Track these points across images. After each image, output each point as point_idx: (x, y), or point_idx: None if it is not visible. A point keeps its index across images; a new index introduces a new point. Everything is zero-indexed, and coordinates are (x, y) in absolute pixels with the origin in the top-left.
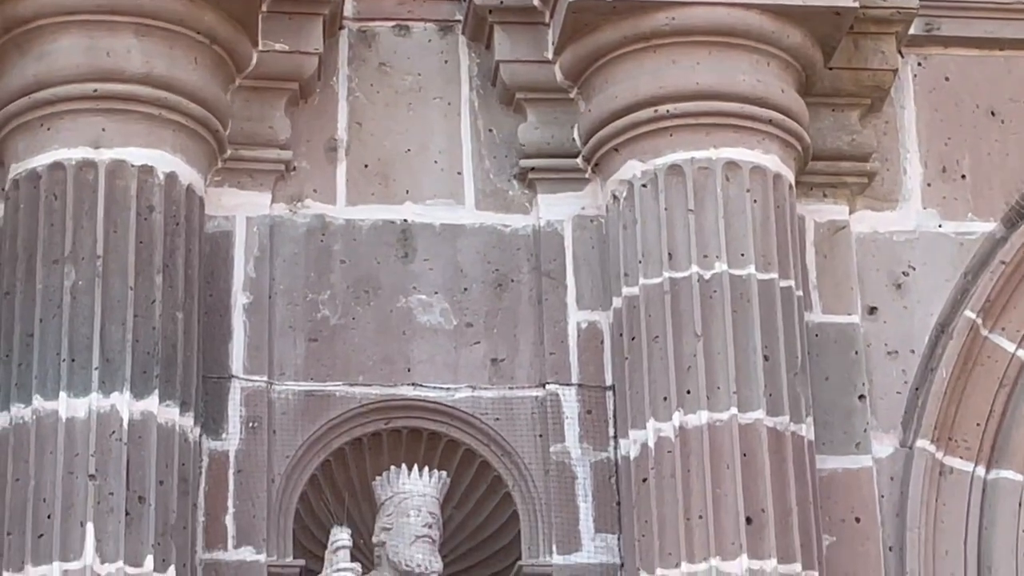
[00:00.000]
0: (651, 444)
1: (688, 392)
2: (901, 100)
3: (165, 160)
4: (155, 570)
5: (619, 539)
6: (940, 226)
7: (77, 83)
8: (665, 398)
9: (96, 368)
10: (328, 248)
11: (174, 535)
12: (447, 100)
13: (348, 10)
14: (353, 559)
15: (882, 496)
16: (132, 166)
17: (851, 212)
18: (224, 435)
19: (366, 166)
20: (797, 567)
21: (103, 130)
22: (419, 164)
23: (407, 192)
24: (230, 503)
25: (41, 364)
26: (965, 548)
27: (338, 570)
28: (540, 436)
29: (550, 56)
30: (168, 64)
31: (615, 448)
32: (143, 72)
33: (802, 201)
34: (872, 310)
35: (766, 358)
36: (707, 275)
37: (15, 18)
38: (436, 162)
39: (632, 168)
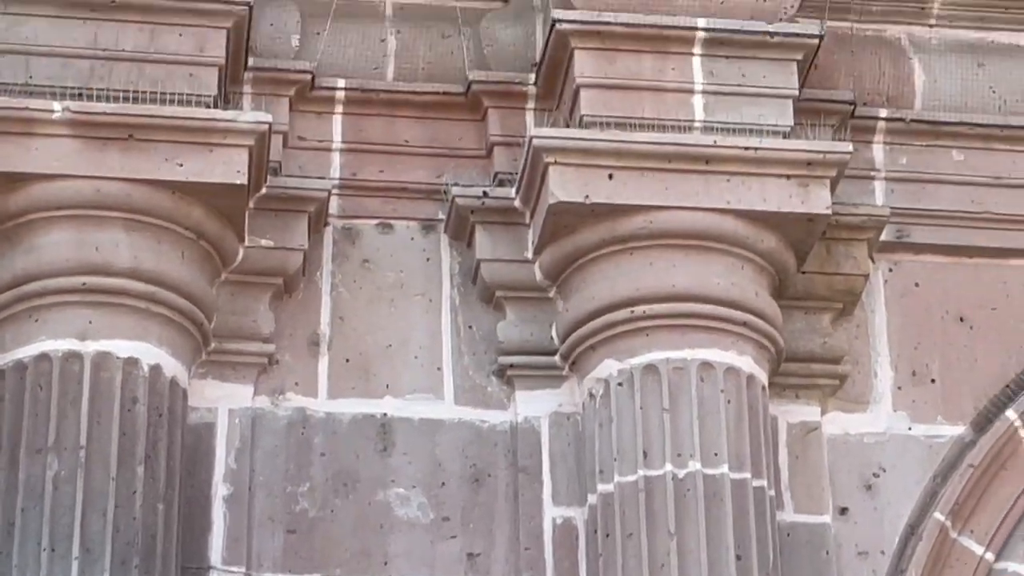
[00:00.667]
0: None
1: None
2: (872, 304)
3: (150, 353)
4: None
5: None
6: (910, 429)
7: (66, 276)
8: None
9: (76, 558)
10: (308, 441)
11: None
12: (428, 297)
13: (333, 207)
14: None
15: None
16: (117, 358)
17: (823, 413)
18: None
19: (348, 360)
20: None
21: (90, 322)
22: (400, 359)
23: (387, 387)
24: None
25: (21, 554)
26: None
27: None
28: None
29: (530, 256)
30: (156, 259)
31: None
32: (131, 267)
33: (775, 401)
34: (843, 511)
35: (739, 557)
36: (681, 474)
37: (5, 212)
38: (416, 357)
39: (608, 367)
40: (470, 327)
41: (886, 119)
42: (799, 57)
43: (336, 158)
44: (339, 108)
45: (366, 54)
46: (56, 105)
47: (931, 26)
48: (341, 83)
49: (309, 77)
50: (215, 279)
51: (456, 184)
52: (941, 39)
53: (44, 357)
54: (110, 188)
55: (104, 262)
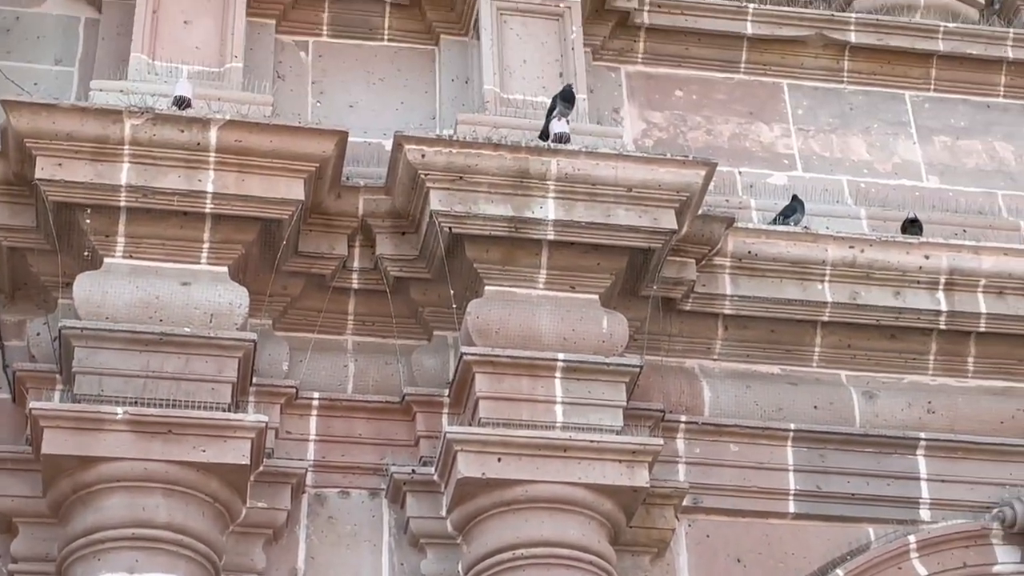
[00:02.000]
0: None
1: None
2: (677, 549)
3: None
4: None
5: None
6: None
7: (120, 528)
8: None
9: None
10: None
11: None
12: (373, 542)
13: (309, 480)
14: None
15: None
16: None
17: None
18: None
19: None
20: None
21: (136, 560)
22: None
23: None
24: None
25: None
26: None
27: None
28: None
29: (444, 514)
30: (184, 516)
31: None
32: (167, 522)
33: None
34: None
35: None
36: None
37: (82, 483)
38: None
39: None
40: (402, 564)
41: (685, 422)
42: (627, 379)
43: (311, 446)
44: (314, 412)
45: (334, 375)
46: (119, 410)
47: (714, 360)
48: (316, 395)
49: (294, 390)
50: (225, 530)
51: (394, 464)
52: (722, 369)
53: None
54: (154, 467)
55: (148, 518)
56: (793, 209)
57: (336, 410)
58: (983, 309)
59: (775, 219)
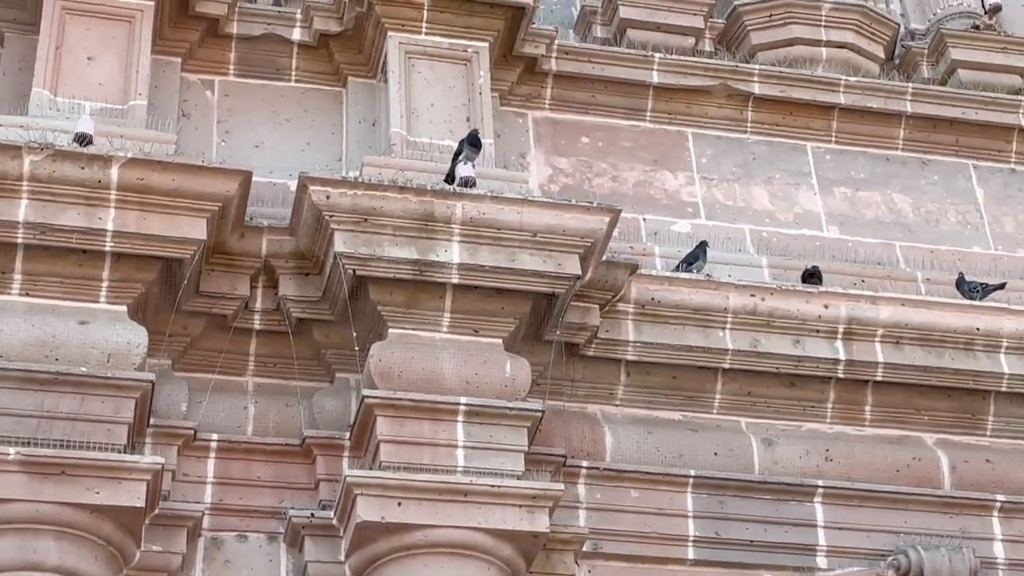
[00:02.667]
0: None
1: None
2: None
3: None
4: None
5: None
6: None
7: (9, 571)
8: None
9: None
10: None
11: None
12: None
13: (205, 523)
14: None
15: None
16: None
17: None
18: None
19: None
20: None
21: None
22: None
23: None
24: None
25: None
26: None
27: None
28: None
29: (343, 559)
30: (76, 559)
31: None
32: (57, 564)
33: None
34: None
35: None
36: None
37: None
38: None
39: None
40: None
41: (586, 467)
42: (529, 424)
43: (209, 489)
44: (212, 454)
45: (233, 416)
46: (11, 450)
47: (616, 405)
48: (215, 436)
49: (192, 432)
50: (119, 574)
51: (292, 508)
52: (623, 414)
53: None
54: (46, 509)
55: (38, 561)
56: (695, 256)
57: (235, 452)
58: (880, 358)
59: (678, 266)
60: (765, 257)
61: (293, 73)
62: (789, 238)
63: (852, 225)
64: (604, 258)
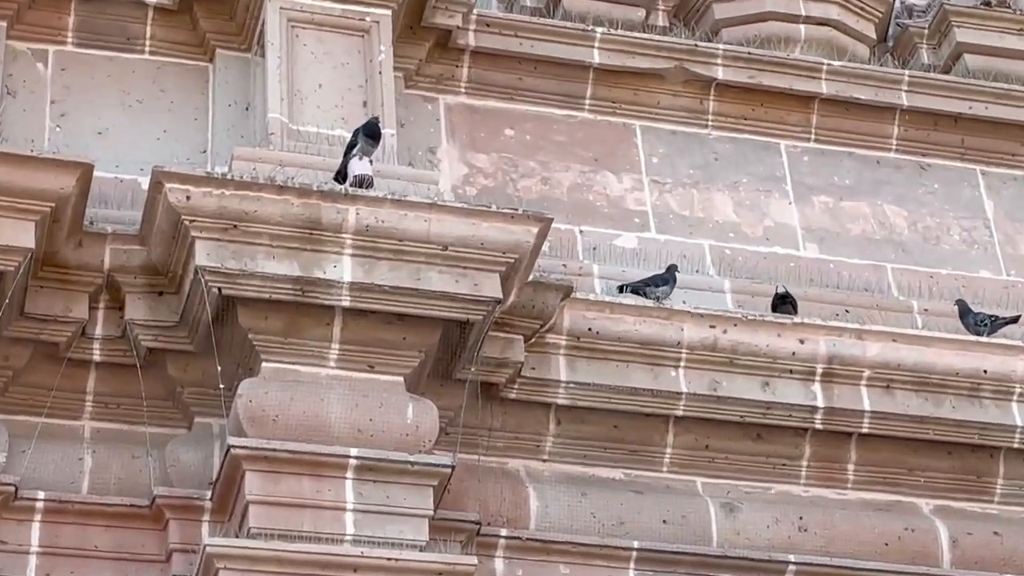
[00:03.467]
0: None
1: None
2: None
3: None
4: None
5: None
6: None
7: None
8: None
9: None
10: None
11: None
12: None
13: None
14: None
15: None
16: None
17: None
18: None
19: None
20: None
21: None
22: None
23: None
24: None
25: None
26: None
27: None
28: None
29: None
30: None
31: None
32: None
33: None
34: None
35: None
36: None
37: None
38: None
39: None
40: None
41: (506, 537)
42: (435, 483)
43: (33, 560)
44: (38, 517)
45: (65, 470)
46: None
47: (544, 461)
48: (41, 495)
49: (13, 489)
50: None
51: None
52: (552, 472)
53: None
54: None
55: None
56: (663, 280)
57: (67, 515)
58: (867, 406)
59: (634, 289)
60: (728, 280)
61: (147, 43)
62: (757, 257)
63: (834, 242)
64: (531, 278)
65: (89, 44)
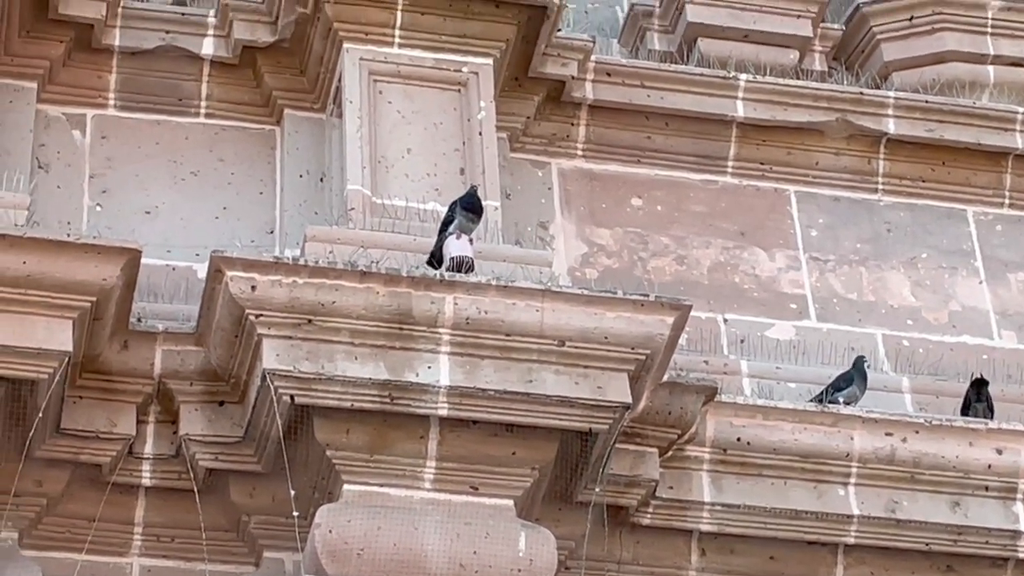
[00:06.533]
0: None
1: None
2: None
3: None
4: None
5: None
6: None
7: None
8: None
9: None
10: None
11: None
12: None
13: None
14: None
15: None
16: None
17: None
18: None
19: None
20: None
21: None
22: None
23: None
24: None
25: None
26: None
27: None
28: None
29: None
30: None
31: None
32: None
33: None
34: None
35: None
36: None
37: None
38: None
39: None
40: None
41: None
42: None
43: None
44: None
45: None
46: None
47: None
48: None
49: None
50: None
51: None
52: None
53: None
54: None
55: None
56: (847, 380)
57: None
58: None
59: (823, 394)
60: (906, 377)
61: (203, 104)
62: (942, 348)
63: None
64: (666, 378)
65: (134, 107)
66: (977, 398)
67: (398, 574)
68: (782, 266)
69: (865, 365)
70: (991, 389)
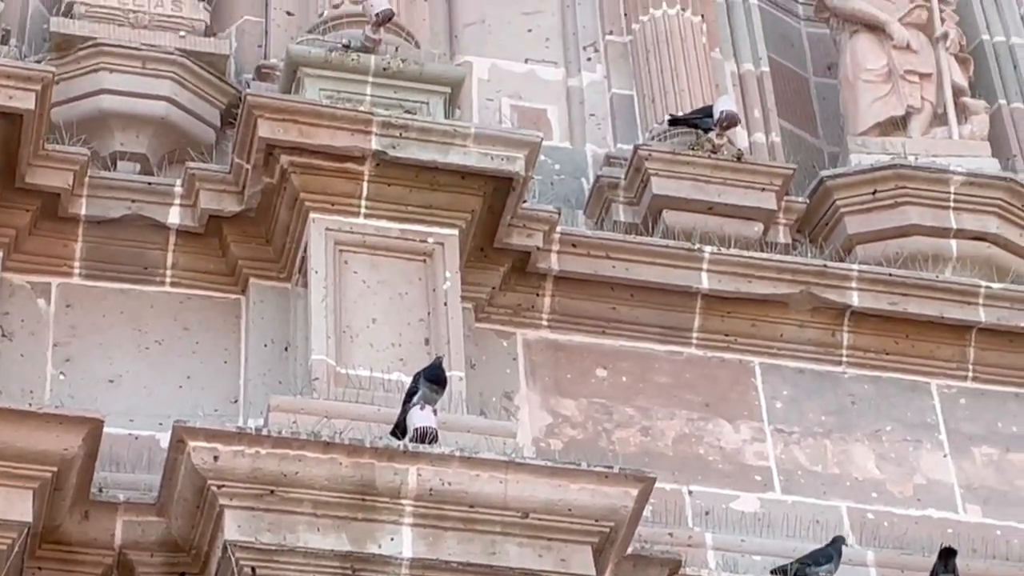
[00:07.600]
0: None
1: None
2: None
3: None
4: None
5: None
6: None
7: None
8: None
9: None
10: None
11: None
12: None
13: None
14: None
15: None
16: None
17: None
18: None
19: None
20: None
21: None
22: None
23: None
24: None
25: None
26: None
27: None
28: None
29: None
30: None
31: None
32: None
33: None
34: None
35: None
36: None
37: None
38: None
39: None
40: None
41: None
42: None
43: None
44: None
45: None
46: None
47: None
48: None
49: None
50: None
51: None
52: None
53: None
54: None
55: None
56: (828, 556)
57: None
58: None
59: (789, 567)
60: (871, 551)
61: (168, 273)
62: (907, 522)
63: (1000, 503)
64: (630, 551)
65: (100, 275)
66: (944, 568)
67: None
68: (747, 438)
69: (844, 545)
70: (959, 564)
